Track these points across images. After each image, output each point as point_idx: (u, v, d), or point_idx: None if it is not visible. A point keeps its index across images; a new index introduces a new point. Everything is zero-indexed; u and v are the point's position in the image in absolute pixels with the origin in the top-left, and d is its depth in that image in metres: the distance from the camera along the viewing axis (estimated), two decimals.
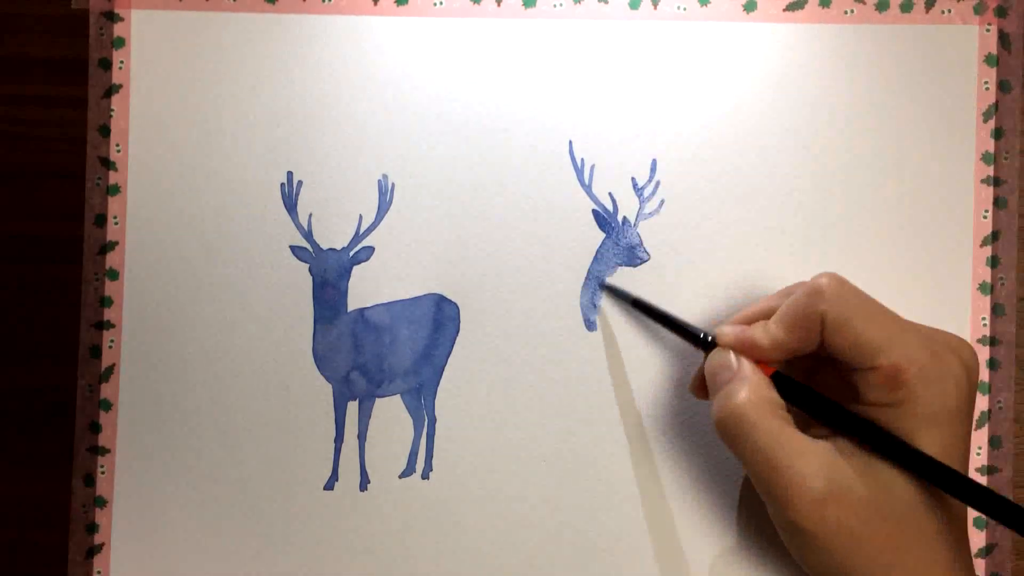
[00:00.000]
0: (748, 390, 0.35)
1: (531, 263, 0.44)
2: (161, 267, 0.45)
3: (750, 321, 0.38)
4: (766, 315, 0.37)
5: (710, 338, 0.39)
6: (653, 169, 0.45)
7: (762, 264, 0.44)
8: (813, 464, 0.33)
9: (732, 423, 0.34)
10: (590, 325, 0.44)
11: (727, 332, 0.37)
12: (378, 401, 0.45)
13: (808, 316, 0.35)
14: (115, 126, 0.45)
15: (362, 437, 0.44)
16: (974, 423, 0.44)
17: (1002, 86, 0.44)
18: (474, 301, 0.44)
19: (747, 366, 0.36)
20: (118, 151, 0.45)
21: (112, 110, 0.45)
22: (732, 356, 0.36)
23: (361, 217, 0.45)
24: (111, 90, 0.45)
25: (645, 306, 0.43)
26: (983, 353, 0.44)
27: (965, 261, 0.44)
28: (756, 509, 0.43)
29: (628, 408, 0.44)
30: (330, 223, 0.45)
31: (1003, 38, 0.44)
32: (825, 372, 0.38)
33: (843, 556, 0.32)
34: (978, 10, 0.44)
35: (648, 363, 0.44)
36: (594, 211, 0.45)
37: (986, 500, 0.31)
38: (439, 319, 0.44)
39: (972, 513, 0.44)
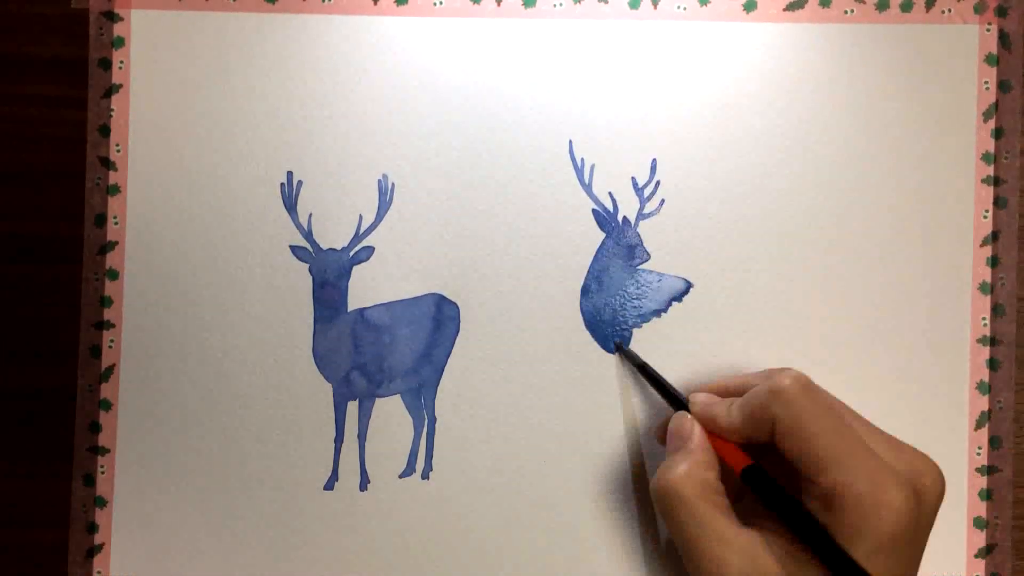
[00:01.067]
0: (688, 466, 0.35)
1: (531, 263, 0.44)
2: (161, 267, 0.45)
3: (727, 392, 0.38)
4: (743, 391, 0.37)
5: (686, 399, 0.39)
6: (653, 169, 0.45)
7: (762, 264, 0.44)
8: (733, 553, 0.33)
9: (665, 496, 0.35)
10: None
11: (698, 400, 0.38)
12: (378, 401, 0.45)
13: (763, 413, 0.35)
14: (115, 126, 0.45)
15: (362, 437, 0.44)
16: (974, 424, 0.44)
17: (1002, 86, 0.44)
18: (474, 301, 0.44)
19: (698, 440, 0.36)
20: (118, 151, 0.45)
21: (112, 110, 0.45)
22: (690, 424, 0.37)
23: (361, 217, 0.45)
24: (111, 90, 0.45)
25: (649, 372, 0.42)
26: (983, 353, 0.44)
27: (965, 261, 0.44)
28: None
29: (629, 407, 0.44)
30: (330, 223, 0.45)
31: (1003, 38, 0.44)
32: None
33: None
34: (978, 10, 0.44)
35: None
36: (594, 211, 0.45)
37: None
38: (439, 319, 0.44)
39: (971, 512, 0.44)
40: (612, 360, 0.44)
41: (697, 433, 0.37)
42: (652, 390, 0.44)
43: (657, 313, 0.44)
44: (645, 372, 0.42)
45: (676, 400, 0.40)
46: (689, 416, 0.38)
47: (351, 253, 0.45)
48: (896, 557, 0.31)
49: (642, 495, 0.44)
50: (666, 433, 0.39)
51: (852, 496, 0.32)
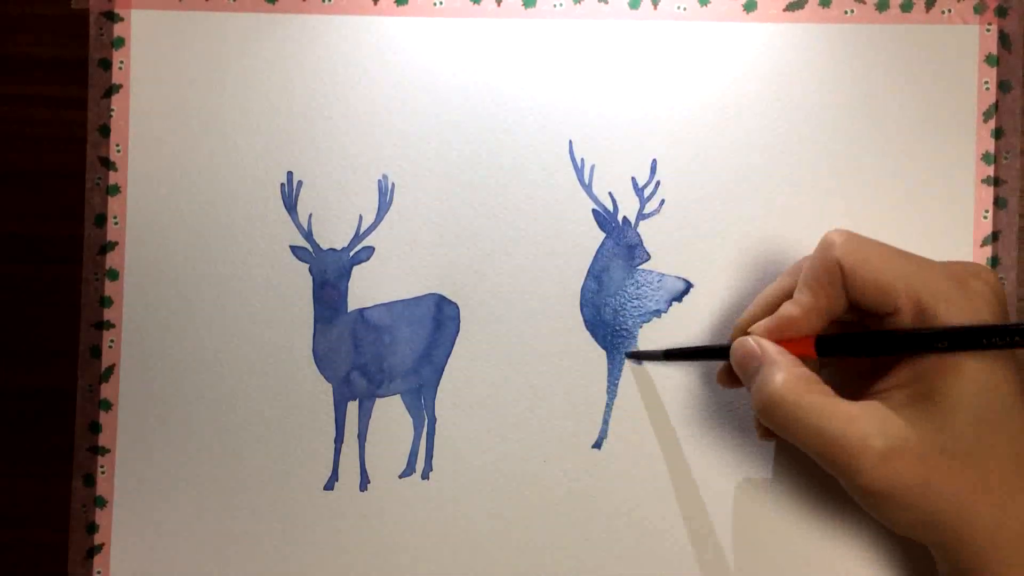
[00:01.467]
0: (781, 372, 0.34)
1: (531, 263, 0.44)
2: (161, 267, 0.45)
3: (765, 310, 0.38)
4: (780, 297, 0.38)
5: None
6: (653, 169, 0.45)
7: (762, 264, 0.44)
8: (866, 425, 0.32)
9: (775, 409, 0.34)
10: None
11: (759, 326, 0.37)
12: (378, 401, 0.45)
13: (827, 269, 0.35)
14: (115, 126, 0.45)
15: (362, 437, 0.44)
16: None
17: (1002, 86, 0.44)
18: (474, 301, 0.44)
19: (771, 349, 0.36)
20: (118, 151, 0.45)
21: (112, 110, 0.45)
22: (752, 342, 0.36)
23: (361, 217, 0.45)
24: (111, 90, 0.45)
25: (676, 352, 0.42)
26: None
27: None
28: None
29: (628, 407, 0.44)
30: (330, 223, 0.45)
31: (1003, 38, 0.44)
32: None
33: (924, 506, 0.32)
34: (978, 10, 0.44)
35: (648, 366, 0.44)
36: (594, 211, 0.45)
37: None
38: (439, 319, 0.44)
39: None
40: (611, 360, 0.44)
41: (764, 343, 0.36)
42: (648, 384, 0.44)
43: (657, 313, 0.44)
44: (673, 355, 0.42)
45: (726, 351, 0.39)
46: (749, 337, 0.37)
47: (351, 253, 0.45)
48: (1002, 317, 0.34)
49: (642, 496, 0.44)
50: (728, 369, 0.39)
51: (942, 301, 0.33)
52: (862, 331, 0.35)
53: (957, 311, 0.33)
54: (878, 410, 0.33)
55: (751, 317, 0.39)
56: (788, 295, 0.37)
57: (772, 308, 0.38)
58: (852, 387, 0.36)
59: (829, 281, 0.35)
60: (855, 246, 0.35)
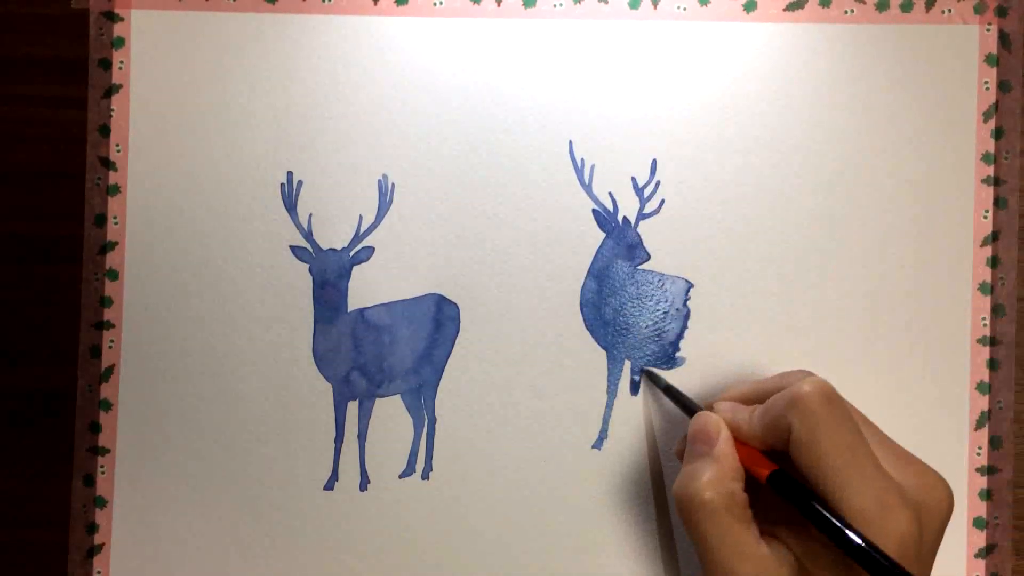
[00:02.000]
0: (714, 474, 0.34)
1: (531, 263, 0.44)
2: (161, 267, 0.45)
3: (749, 399, 0.38)
4: (764, 396, 0.36)
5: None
6: (653, 169, 0.45)
7: (762, 264, 0.44)
8: (752, 568, 0.32)
9: (688, 503, 0.34)
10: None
11: (722, 407, 0.37)
12: (378, 401, 0.45)
13: (779, 421, 0.34)
14: (115, 126, 0.45)
15: (362, 437, 0.44)
16: (974, 424, 0.44)
17: (1002, 86, 0.44)
18: (474, 301, 0.44)
19: (724, 446, 0.35)
20: (118, 151, 0.45)
21: (112, 110, 0.45)
22: (716, 425, 0.36)
23: (361, 217, 0.45)
24: (111, 90, 0.45)
25: (673, 393, 0.42)
26: (983, 353, 0.44)
27: (965, 261, 0.44)
28: None
29: (628, 407, 0.44)
30: (330, 223, 0.45)
31: (1003, 38, 0.44)
32: None
33: None
34: (978, 10, 0.44)
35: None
36: (594, 211, 0.45)
37: None
38: (439, 319, 0.44)
39: (971, 512, 0.44)
40: (610, 359, 0.44)
41: (724, 437, 0.36)
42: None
43: (657, 313, 0.44)
44: (670, 393, 0.42)
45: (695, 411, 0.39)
46: (715, 416, 0.37)
47: (351, 253, 0.45)
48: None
49: (641, 496, 0.44)
50: (686, 440, 0.38)
51: (861, 518, 0.31)
52: (816, 499, 0.32)
53: (871, 534, 0.31)
54: (771, 563, 0.33)
55: (739, 395, 0.39)
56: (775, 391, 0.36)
57: (762, 396, 0.37)
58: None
59: (777, 430, 0.34)
60: (814, 417, 0.33)
